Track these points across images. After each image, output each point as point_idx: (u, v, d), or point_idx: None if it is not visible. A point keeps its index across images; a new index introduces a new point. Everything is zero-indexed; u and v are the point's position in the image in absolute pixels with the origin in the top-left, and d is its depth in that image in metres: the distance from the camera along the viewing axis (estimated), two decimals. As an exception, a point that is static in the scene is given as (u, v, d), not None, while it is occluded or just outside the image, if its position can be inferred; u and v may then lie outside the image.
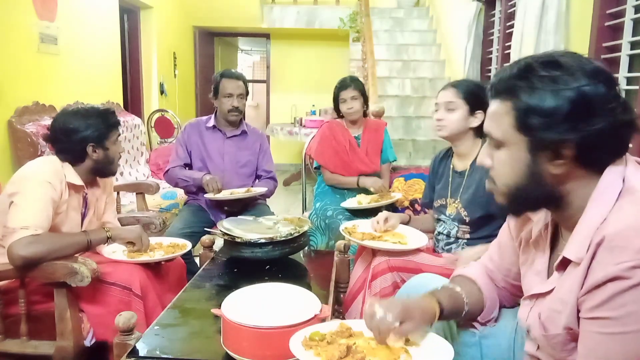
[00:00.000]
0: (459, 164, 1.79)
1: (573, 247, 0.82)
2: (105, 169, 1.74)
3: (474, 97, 1.68)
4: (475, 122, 1.69)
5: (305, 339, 0.97)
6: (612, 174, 0.81)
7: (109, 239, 1.68)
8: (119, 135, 1.76)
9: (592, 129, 0.77)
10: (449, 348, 0.92)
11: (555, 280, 0.88)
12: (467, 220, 1.71)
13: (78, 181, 1.66)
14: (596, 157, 0.81)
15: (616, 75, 2.24)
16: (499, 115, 0.86)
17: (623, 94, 2.28)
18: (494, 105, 0.88)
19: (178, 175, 2.45)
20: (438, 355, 0.91)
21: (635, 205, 0.77)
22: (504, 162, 0.87)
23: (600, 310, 0.76)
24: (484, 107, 1.65)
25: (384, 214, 1.85)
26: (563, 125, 0.78)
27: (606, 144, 0.79)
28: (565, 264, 0.85)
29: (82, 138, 1.64)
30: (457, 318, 1.10)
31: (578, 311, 0.81)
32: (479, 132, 1.72)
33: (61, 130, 1.65)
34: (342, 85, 2.53)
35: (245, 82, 2.49)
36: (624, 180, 0.80)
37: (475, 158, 1.70)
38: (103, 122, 1.69)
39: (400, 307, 0.95)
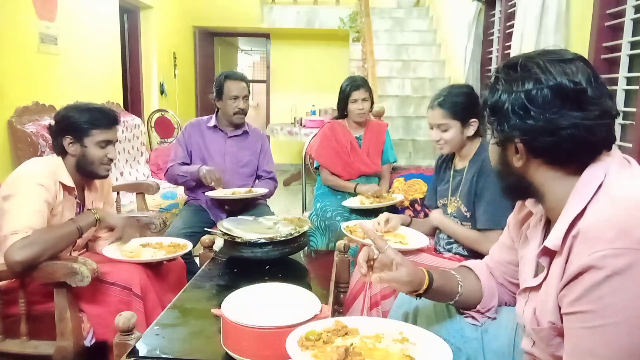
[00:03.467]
0: (459, 163, 1.80)
1: (552, 236, 0.85)
2: (85, 168, 1.66)
3: (462, 110, 1.67)
4: (471, 130, 1.70)
5: (301, 338, 0.97)
6: (594, 170, 0.83)
7: (97, 221, 1.65)
8: (108, 141, 1.67)
9: (529, 128, 0.84)
10: (447, 349, 0.92)
11: (545, 274, 0.90)
12: (468, 216, 1.71)
13: (69, 182, 1.65)
14: (554, 154, 0.85)
15: (616, 75, 2.24)
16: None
17: (623, 94, 2.29)
18: None
19: (176, 172, 2.45)
20: (437, 356, 0.91)
21: (610, 199, 0.78)
22: (490, 148, 0.99)
23: (579, 304, 0.77)
24: (475, 114, 1.67)
25: (385, 215, 1.85)
26: (506, 122, 0.87)
27: (560, 143, 0.82)
28: (547, 254, 0.87)
29: (62, 128, 1.64)
30: (452, 299, 1.12)
31: (560, 307, 0.83)
32: (477, 132, 1.72)
33: (54, 120, 1.67)
34: (353, 85, 2.50)
35: (248, 83, 2.51)
36: (605, 176, 0.82)
37: (473, 156, 1.72)
38: (87, 118, 1.63)
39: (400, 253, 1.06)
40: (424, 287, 1.05)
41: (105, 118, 1.67)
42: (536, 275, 0.96)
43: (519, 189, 0.95)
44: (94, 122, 1.64)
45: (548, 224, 0.97)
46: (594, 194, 0.80)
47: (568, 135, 0.81)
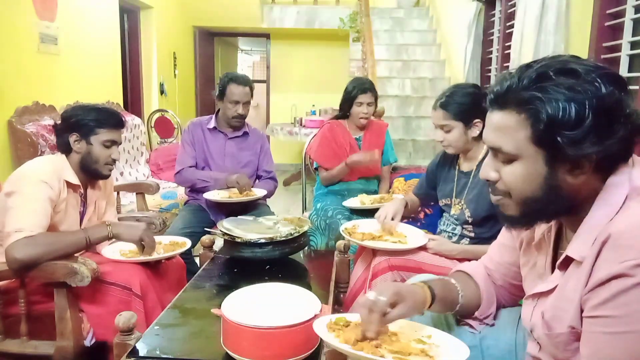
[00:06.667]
0: (465, 164, 1.79)
1: (576, 246, 0.81)
2: (89, 166, 1.68)
3: (465, 111, 1.66)
4: (475, 131, 1.68)
5: (330, 321, 1.01)
6: (619, 175, 0.80)
7: (110, 236, 1.64)
8: (113, 141, 1.70)
9: (615, 137, 0.75)
10: (464, 347, 0.92)
11: (557, 278, 0.88)
12: (470, 221, 1.71)
13: (75, 180, 1.66)
14: (612, 163, 0.80)
15: (616, 75, 2.24)
16: (510, 128, 0.81)
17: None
18: (503, 118, 0.82)
19: (196, 176, 2.42)
20: (454, 349, 0.92)
21: None
22: (519, 176, 0.83)
23: (603, 309, 0.75)
24: (480, 114, 1.63)
25: (385, 210, 1.83)
26: (589, 137, 0.74)
27: (622, 148, 0.78)
28: (567, 262, 0.85)
29: (69, 125, 1.66)
30: (452, 310, 1.10)
31: (582, 310, 0.81)
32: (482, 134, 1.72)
33: (61, 117, 1.69)
34: (361, 89, 2.47)
35: (252, 87, 2.47)
36: (630, 181, 0.79)
37: (482, 160, 1.71)
38: (95, 116, 1.66)
39: (393, 289, 0.96)
40: (428, 304, 1.01)
41: (112, 118, 1.70)
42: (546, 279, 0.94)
43: (558, 211, 0.86)
44: (101, 121, 1.67)
45: (558, 229, 0.94)
46: (623, 201, 0.78)
47: (637, 135, 0.78)
